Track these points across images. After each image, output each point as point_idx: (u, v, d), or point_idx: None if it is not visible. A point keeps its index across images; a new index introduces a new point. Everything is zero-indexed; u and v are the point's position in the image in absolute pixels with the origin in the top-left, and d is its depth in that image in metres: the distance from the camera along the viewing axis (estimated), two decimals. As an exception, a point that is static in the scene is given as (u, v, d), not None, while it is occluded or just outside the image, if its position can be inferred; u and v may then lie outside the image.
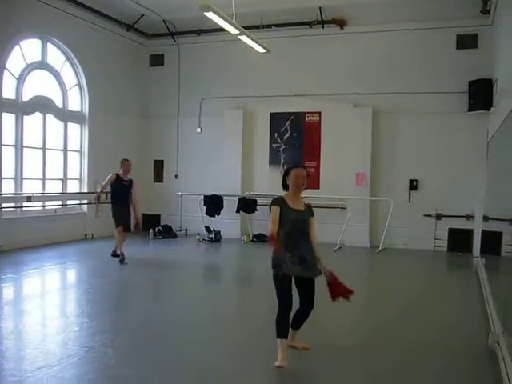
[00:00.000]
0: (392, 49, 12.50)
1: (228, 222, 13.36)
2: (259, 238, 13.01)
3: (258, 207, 12.83)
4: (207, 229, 13.11)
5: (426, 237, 12.28)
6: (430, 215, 12.26)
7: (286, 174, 4.89)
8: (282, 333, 4.60)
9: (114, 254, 9.94)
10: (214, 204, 12.96)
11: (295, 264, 4.61)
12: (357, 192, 12.51)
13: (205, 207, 13.01)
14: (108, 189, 9.86)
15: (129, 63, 14.36)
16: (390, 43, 12.49)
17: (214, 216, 13.05)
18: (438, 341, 5.62)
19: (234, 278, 9.73)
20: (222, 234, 13.20)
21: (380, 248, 11.96)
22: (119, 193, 9.68)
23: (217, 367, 4.65)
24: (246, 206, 12.90)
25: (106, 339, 5.33)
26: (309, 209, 4.89)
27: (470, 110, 11.76)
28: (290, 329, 4.80)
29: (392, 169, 12.66)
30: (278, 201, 4.78)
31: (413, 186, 12.43)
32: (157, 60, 14.92)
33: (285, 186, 4.90)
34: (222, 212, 13.05)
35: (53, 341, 5.40)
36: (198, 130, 14.22)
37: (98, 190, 10.17)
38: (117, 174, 9.72)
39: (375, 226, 12.66)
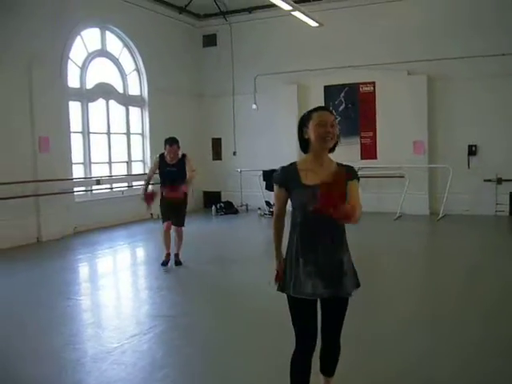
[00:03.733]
0: (445, 12, 12.28)
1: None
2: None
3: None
4: (268, 203, 13.42)
5: (487, 202, 12.18)
6: (490, 180, 12.14)
7: (302, 124, 3.02)
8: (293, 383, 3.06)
9: (177, 260, 7.97)
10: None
11: (311, 276, 2.89)
12: (415, 160, 12.50)
13: (264, 182, 13.31)
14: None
15: (183, 45, 14.68)
16: (442, 7, 12.28)
17: (272, 190, 13.31)
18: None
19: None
20: (281, 207, 13.46)
21: (440, 215, 11.97)
22: (165, 179, 7.76)
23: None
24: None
25: (186, 308, 5.76)
26: (343, 174, 2.89)
27: (528, 71, 11.52)
28: (321, 375, 3.23)
29: (449, 135, 12.56)
30: (281, 177, 3.03)
31: (471, 151, 12.31)
32: (210, 40, 15.18)
33: (303, 144, 3.04)
34: (280, 186, 13.29)
35: (140, 312, 5.87)
36: (254, 106, 14.46)
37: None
38: (161, 155, 7.79)
39: (434, 194, 12.66)
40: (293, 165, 3.01)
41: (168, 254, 7.81)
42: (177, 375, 4.08)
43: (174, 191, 7.50)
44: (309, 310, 2.95)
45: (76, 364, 4.29)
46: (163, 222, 7.84)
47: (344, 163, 3.03)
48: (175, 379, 4.02)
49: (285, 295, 3.00)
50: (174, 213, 7.71)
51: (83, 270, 8.41)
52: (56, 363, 4.35)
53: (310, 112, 3.01)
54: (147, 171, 13.26)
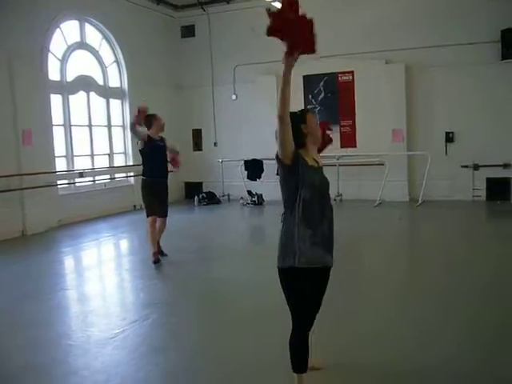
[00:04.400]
0: (423, 1, 12.52)
1: (269, 184, 13.75)
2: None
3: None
4: (250, 193, 13.57)
5: (465, 188, 12.51)
6: (467, 166, 12.46)
7: (300, 121, 3.31)
8: (301, 365, 3.25)
9: (161, 250, 7.76)
10: (254, 168, 13.37)
11: (318, 247, 3.14)
12: (394, 148, 12.77)
13: (246, 172, 13.43)
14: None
15: (161, 36, 14.67)
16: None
17: (255, 180, 13.47)
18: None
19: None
20: (263, 196, 13.63)
21: (419, 201, 12.26)
22: (153, 159, 7.38)
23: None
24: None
25: (180, 295, 5.89)
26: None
27: (503, 59, 11.82)
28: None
29: (428, 123, 12.84)
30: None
31: (449, 138, 12.61)
32: (188, 31, 15.19)
33: (299, 138, 3.24)
34: (263, 175, 13.46)
35: (136, 299, 5.98)
36: (233, 97, 14.55)
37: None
38: (148, 136, 7.38)
39: (413, 180, 12.95)
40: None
41: (157, 252, 7.48)
42: (178, 357, 4.22)
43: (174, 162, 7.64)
44: (314, 285, 3.19)
45: (80, 349, 4.40)
46: (148, 216, 7.43)
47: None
48: (177, 362, 4.15)
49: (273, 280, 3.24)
50: (160, 202, 7.45)
51: (72, 262, 8.46)
52: (60, 350, 4.45)
53: (305, 112, 3.41)
54: (129, 162, 13.38)
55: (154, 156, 7.40)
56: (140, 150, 7.49)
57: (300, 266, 3.07)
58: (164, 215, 7.58)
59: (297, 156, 3.15)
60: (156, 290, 6.24)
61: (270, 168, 13.41)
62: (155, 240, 7.48)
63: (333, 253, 3.24)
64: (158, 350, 4.34)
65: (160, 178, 7.49)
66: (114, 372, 3.96)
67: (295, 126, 3.18)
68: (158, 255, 7.48)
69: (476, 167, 12.40)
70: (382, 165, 12.53)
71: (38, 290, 6.36)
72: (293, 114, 3.21)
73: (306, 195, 3.12)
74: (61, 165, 11.55)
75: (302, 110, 3.45)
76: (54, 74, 11.38)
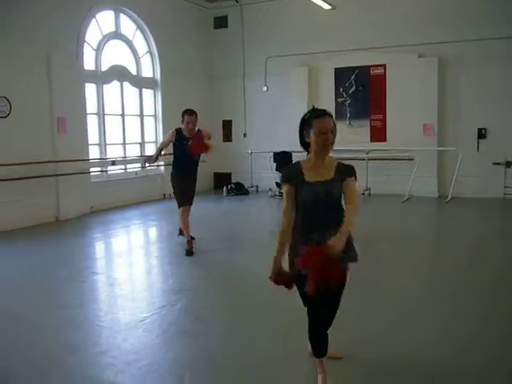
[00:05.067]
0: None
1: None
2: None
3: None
4: (278, 185, 13.63)
5: (496, 185, 12.34)
6: (499, 163, 12.31)
7: (304, 127, 3.29)
8: (320, 351, 3.47)
9: (182, 233, 7.85)
10: (283, 160, 13.40)
11: None
12: (424, 143, 12.68)
13: (275, 164, 13.52)
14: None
15: (194, 27, 14.79)
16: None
17: (284, 172, 13.53)
18: None
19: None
20: (292, 188, 13.68)
21: (449, 198, 12.18)
22: (181, 157, 7.42)
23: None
24: (315, 161, 13.35)
25: (208, 282, 6.03)
26: (341, 172, 3.25)
27: (538, 54, 11.64)
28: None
29: (459, 118, 12.71)
30: (290, 175, 3.32)
31: (481, 134, 12.47)
32: (221, 22, 15.29)
33: (304, 145, 3.33)
34: (291, 168, 13.50)
35: (165, 285, 6.14)
36: (264, 88, 14.62)
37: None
38: (178, 129, 7.46)
39: (443, 176, 12.85)
40: (298, 165, 3.35)
41: (191, 241, 7.46)
42: (205, 342, 4.35)
43: (197, 143, 7.25)
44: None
45: (111, 331, 4.57)
46: (180, 207, 7.52)
47: (345, 163, 3.35)
48: (204, 346, 4.28)
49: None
50: (188, 191, 7.49)
51: (103, 247, 8.70)
52: (92, 331, 4.64)
53: (312, 117, 3.26)
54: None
55: (180, 156, 7.43)
56: (173, 147, 7.54)
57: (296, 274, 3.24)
58: (189, 204, 7.60)
59: (296, 184, 3.28)
60: (184, 277, 6.39)
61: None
62: (187, 229, 7.53)
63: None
64: (186, 334, 4.48)
65: (188, 173, 7.50)
66: (142, 353, 4.11)
67: (300, 130, 3.32)
68: (192, 244, 7.44)
69: (508, 164, 12.24)
70: (412, 160, 12.48)
71: (71, 273, 6.57)
72: (303, 119, 3.31)
73: (299, 210, 3.31)
74: (94, 153, 11.81)
75: (311, 112, 3.31)
76: (89, 63, 11.62)
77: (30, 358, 4.08)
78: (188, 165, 7.46)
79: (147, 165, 8.70)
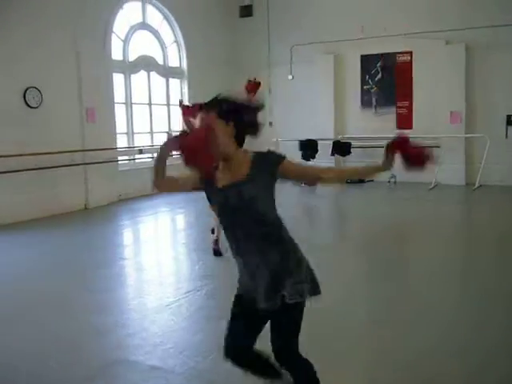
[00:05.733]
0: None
1: (322, 164, 13.84)
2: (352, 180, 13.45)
3: (351, 150, 13.30)
4: (303, 172, 13.68)
5: (525, 172, 12.21)
6: (528, 150, 12.16)
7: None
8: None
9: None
10: (309, 148, 13.49)
11: (247, 279, 2.65)
12: (451, 130, 12.58)
13: (300, 152, 13.56)
14: None
15: (220, 16, 14.84)
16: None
17: (309, 160, 13.57)
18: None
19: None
20: (318, 176, 13.71)
21: (476, 185, 12.07)
22: None
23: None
24: (340, 148, 13.38)
25: (232, 270, 6.12)
26: (260, 163, 2.50)
27: None
28: None
29: (487, 105, 12.55)
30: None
31: (510, 121, 12.31)
32: (246, 11, 15.29)
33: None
34: (317, 156, 13.56)
35: (191, 271, 6.29)
36: (290, 77, 14.62)
37: None
38: None
39: (471, 164, 12.73)
40: None
41: (217, 240, 6.65)
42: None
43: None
44: (246, 314, 2.69)
45: (140, 315, 4.74)
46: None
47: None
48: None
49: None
50: None
51: (131, 234, 8.91)
52: (121, 314, 4.81)
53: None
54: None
55: None
56: None
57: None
58: None
59: (204, 185, 2.68)
60: (210, 264, 6.48)
61: (325, 148, 13.53)
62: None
63: (274, 298, 2.46)
64: (211, 319, 4.60)
65: None
66: (169, 336, 4.26)
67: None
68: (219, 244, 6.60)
69: (538, 151, 12.08)
70: (439, 147, 12.38)
71: (100, 259, 6.77)
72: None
73: (221, 221, 2.71)
74: (122, 141, 12.03)
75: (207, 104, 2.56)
76: (116, 53, 11.81)
77: (63, 340, 4.26)
78: None
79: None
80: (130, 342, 4.18)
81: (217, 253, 6.62)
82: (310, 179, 2.60)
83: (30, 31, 9.49)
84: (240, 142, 2.56)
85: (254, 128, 2.58)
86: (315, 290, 2.54)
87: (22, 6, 9.32)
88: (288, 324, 2.57)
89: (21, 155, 9.12)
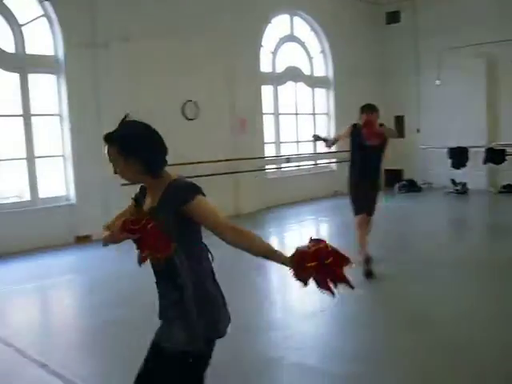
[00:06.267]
0: None
1: (474, 174, 13.24)
2: (508, 189, 12.73)
3: (506, 157, 12.59)
4: (453, 181, 13.20)
5: None
6: None
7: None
8: None
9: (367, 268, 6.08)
10: (459, 156, 12.99)
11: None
12: None
13: (449, 160, 13.09)
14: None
15: (366, 24, 14.81)
16: None
17: (459, 168, 13.08)
18: None
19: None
20: (468, 185, 13.14)
21: None
22: (359, 158, 6.26)
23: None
24: (494, 156, 12.71)
25: (388, 279, 6.12)
26: (167, 197, 2.27)
27: None
28: None
29: None
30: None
31: None
32: (393, 17, 15.10)
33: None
34: (467, 164, 13.02)
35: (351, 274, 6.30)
36: (437, 82, 14.18)
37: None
38: (354, 125, 6.35)
39: None
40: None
41: (368, 258, 6.04)
42: (385, 335, 4.50)
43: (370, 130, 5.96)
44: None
45: (296, 318, 4.94)
46: (356, 215, 6.25)
47: (183, 181, 2.33)
48: (381, 338, 4.44)
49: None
50: (367, 198, 6.24)
51: (279, 240, 9.22)
52: (278, 315, 5.04)
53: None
54: (332, 149, 13.70)
55: (359, 152, 6.24)
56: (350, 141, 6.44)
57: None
58: (371, 214, 6.31)
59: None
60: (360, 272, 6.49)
61: (477, 156, 12.94)
62: (364, 244, 6.17)
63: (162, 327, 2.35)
64: (365, 327, 4.67)
65: (368, 178, 6.26)
66: (325, 340, 4.41)
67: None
68: (370, 265, 6.05)
69: None
70: None
71: (253, 264, 7.06)
72: None
73: None
74: (269, 150, 12.48)
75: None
76: (265, 65, 12.29)
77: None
78: (368, 168, 6.23)
79: (322, 144, 7.04)
80: (287, 343, 4.36)
81: (369, 274, 5.97)
82: (209, 230, 2.26)
83: (188, 49, 10.21)
84: (154, 172, 2.31)
85: (155, 164, 2.32)
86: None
87: (180, 29, 10.03)
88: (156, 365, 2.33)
89: (181, 164, 9.79)
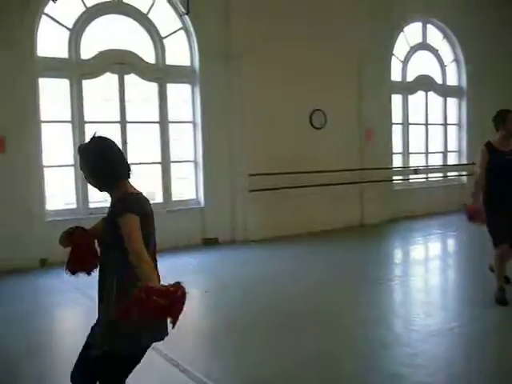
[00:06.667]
0: None
1: None
2: None
3: None
4: None
5: None
6: None
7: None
8: None
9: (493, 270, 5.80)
10: None
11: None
12: None
13: None
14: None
15: (504, 31, 13.90)
16: None
17: None
18: None
19: None
20: None
21: None
22: (499, 178, 5.45)
23: None
24: None
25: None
26: (112, 208, 2.65)
27: None
28: None
29: None
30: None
31: None
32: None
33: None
34: None
35: (473, 297, 5.93)
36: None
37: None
38: (488, 144, 5.58)
39: None
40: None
41: (503, 288, 5.56)
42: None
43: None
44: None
45: (421, 335, 4.76)
46: (499, 244, 5.47)
47: (130, 196, 2.62)
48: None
49: None
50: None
51: (404, 254, 9.03)
52: (402, 331, 4.93)
53: None
54: (463, 161, 13.20)
55: (500, 174, 5.46)
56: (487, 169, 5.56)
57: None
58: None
59: None
60: (490, 290, 6.09)
61: None
62: (502, 275, 5.65)
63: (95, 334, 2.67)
64: (493, 349, 4.41)
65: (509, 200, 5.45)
66: (453, 361, 4.22)
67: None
68: (504, 292, 5.54)
69: None
70: None
71: (372, 275, 6.99)
72: None
73: None
74: (397, 161, 12.19)
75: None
76: (395, 74, 12.05)
77: (350, 348, 4.53)
78: (507, 188, 5.44)
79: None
80: (413, 361, 4.22)
81: (501, 301, 5.47)
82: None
83: (317, 58, 10.28)
84: (105, 185, 2.67)
85: (108, 178, 2.65)
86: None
87: (310, 38, 10.08)
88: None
89: (309, 172, 9.89)
